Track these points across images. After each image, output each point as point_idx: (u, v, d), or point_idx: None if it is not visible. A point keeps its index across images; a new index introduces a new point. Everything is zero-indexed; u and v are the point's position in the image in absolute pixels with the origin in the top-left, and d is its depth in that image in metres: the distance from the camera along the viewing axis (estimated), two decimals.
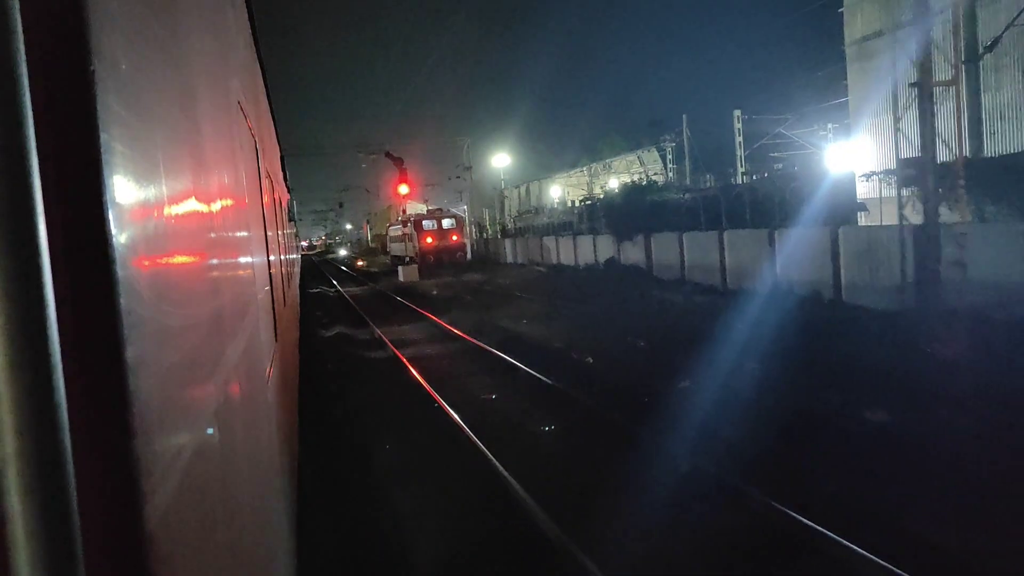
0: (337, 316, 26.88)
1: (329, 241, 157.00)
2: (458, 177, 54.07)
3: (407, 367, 15.16)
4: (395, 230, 58.35)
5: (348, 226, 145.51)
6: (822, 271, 19.13)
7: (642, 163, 78.07)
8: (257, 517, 2.30)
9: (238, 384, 2.08)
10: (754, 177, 35.43)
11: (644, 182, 40.17)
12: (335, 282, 45.52)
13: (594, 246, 34.35)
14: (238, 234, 2.60)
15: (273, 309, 4.30)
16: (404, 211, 44.33)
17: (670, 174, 57.56)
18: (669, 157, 57.45)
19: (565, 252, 38.15)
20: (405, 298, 29.85)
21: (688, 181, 40.54)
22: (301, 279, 27.68)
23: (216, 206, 1.96)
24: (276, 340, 4.35)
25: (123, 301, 0.91)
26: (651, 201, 29.55)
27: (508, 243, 48.66)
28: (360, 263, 72.10)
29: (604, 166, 76.70)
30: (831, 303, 18.77)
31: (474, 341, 17.50)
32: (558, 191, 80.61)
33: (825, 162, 27.53)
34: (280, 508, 3.41)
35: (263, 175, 4.78)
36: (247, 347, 2.45)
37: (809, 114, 38.03)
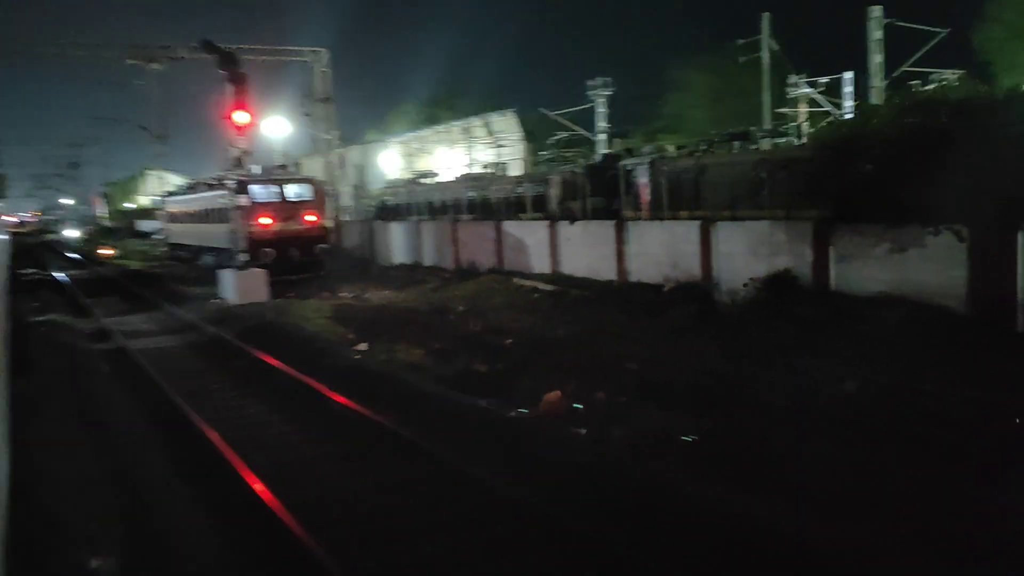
0: None
1: (47, 218, 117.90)
2: (306, 114, 32.79)
3: None
4: (179, 204, 34.80)
5: (68, 200, 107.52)
6: None
7: (490, 132, 61.38)
8: None
9: None
10: None
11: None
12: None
13: (703, 244, 16.18)
14: None
15: None
16: (238, 159, 22.21)
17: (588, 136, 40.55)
18: (602, 112, 40.00)
19: (581, 254, 19.52)
20: None
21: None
22: None
23: None
24: None
25: None
26: None
27: (398, 231, 28.63)
28: (104, 251, 45.95)
29: (463, 129, 58.25)
30: None
31: None
32: (396, 160, 61.96)
33: None
34: None
35: None
36: None
37: None
